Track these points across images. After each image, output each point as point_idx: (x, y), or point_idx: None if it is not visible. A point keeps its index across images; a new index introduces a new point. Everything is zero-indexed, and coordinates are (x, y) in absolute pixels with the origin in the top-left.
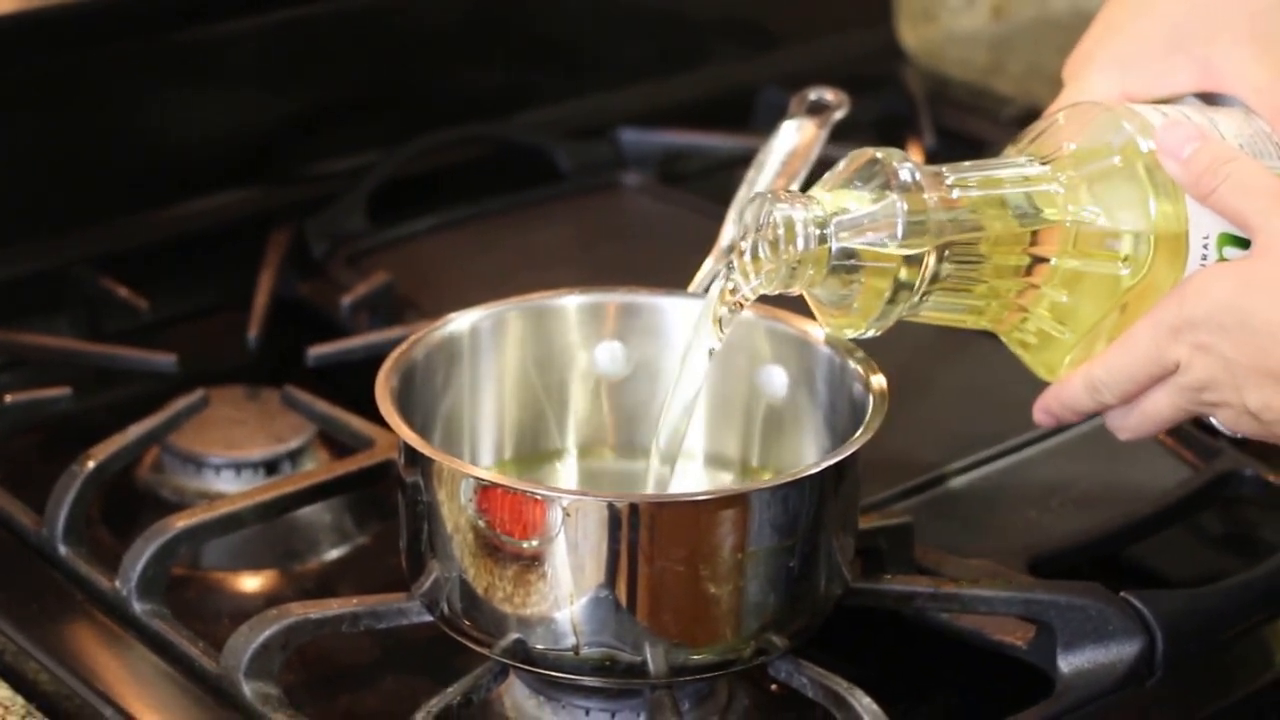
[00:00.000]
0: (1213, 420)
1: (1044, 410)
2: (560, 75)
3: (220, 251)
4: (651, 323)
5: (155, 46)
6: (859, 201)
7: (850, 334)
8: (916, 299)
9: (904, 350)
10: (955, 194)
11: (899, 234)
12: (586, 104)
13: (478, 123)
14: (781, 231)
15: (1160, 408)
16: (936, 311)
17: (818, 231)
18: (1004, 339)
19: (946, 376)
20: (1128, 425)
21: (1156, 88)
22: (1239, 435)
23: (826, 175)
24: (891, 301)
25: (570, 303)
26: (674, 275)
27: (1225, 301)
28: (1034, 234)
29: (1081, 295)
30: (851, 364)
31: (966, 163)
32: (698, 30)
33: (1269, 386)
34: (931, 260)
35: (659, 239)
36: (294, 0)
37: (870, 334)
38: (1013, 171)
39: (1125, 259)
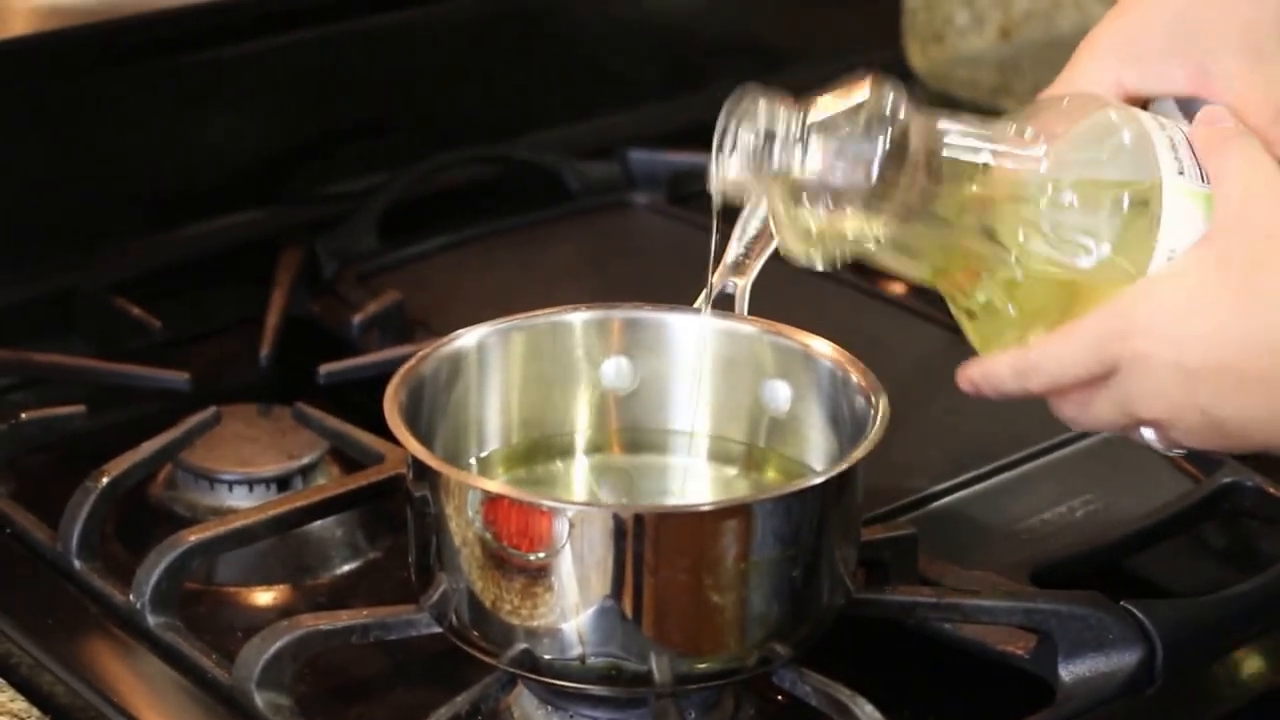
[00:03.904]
0: (1148, 439)
1: (967, 379)
2: (569, 96)
3: (232, 271)
4: (657, 338)
5: (167, 69)
6: (841, 128)
7: (800, 259)
8: (874, 237)
9: (907, 363)
10: (942, 143)
11: (873, 170)
12: (595, 124)
13: (487, 143)
14: (759, 139)
15: (1101, 409)
16: (890, 254)
17: (796, 148)
18: (948, 301)
19: (949, 389)
20: (1067, 410)
21: (1150, 86)
22: (1171, 452)
23: (820, 95)
24: (850, 237)
25: (576, 319)
26: (681, 292)
27: (1171, 315)
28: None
29: (1038, 279)
30: (854, 377)
31: (965, 115)
32: (706, 51)
33: (1190, 416)
34: (899, 202)
35: (666, 257)
36: (304, 23)
37: (818, 265)
38: (1004, 139)
39: (1090, 253)
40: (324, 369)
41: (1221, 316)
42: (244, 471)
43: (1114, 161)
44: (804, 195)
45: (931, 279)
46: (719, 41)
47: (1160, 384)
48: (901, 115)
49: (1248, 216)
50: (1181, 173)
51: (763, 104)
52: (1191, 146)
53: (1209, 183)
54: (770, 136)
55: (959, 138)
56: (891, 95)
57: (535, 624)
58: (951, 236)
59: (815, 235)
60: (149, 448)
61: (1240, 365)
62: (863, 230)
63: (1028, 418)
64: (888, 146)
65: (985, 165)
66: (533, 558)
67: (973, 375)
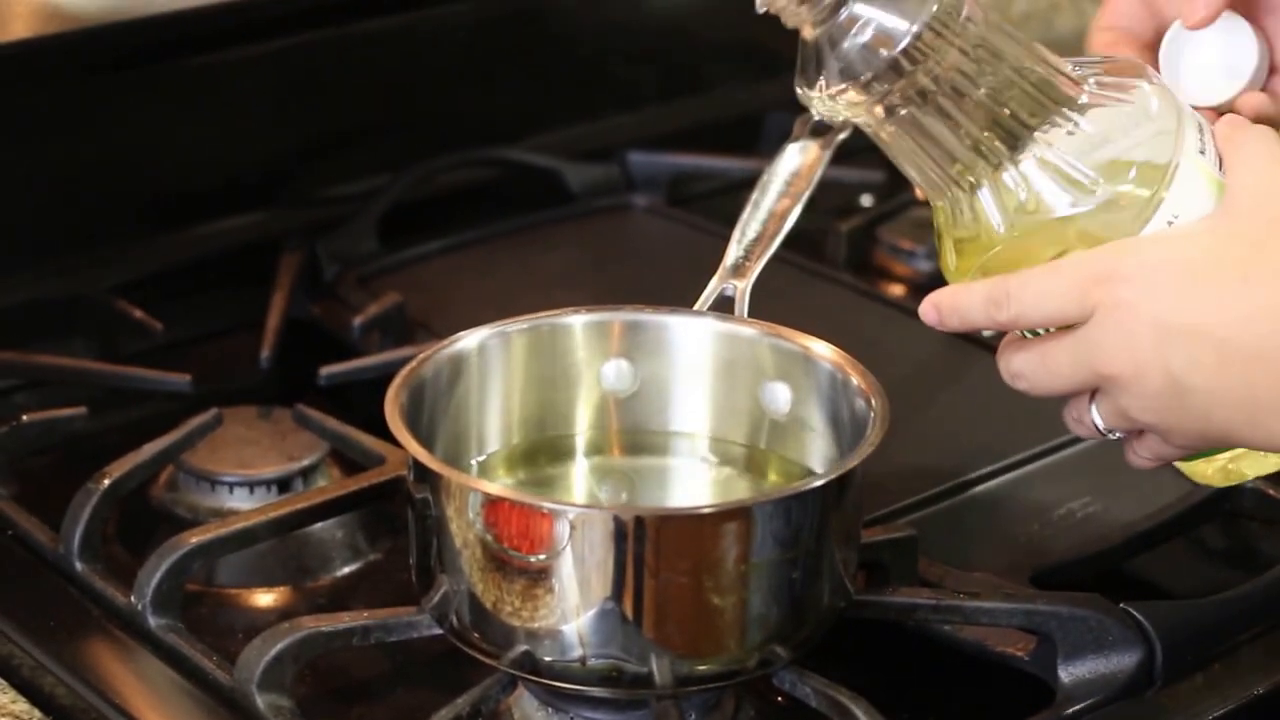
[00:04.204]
0: (1093, 413)
1: (934, 305)
2: (568, 98)
3: (233, 274)
4: (658, 340)
5: (169, 72)
6: None
7: (814, 105)
8: (889, 105)
9: (906, 365)
10: (992, 35)
11: (913, 29)
12: (595, 127)
13: (487, 146)
14: None
15: (1058, 363)
16: (895, 138)
17: None
18: (934, 209)
19: (948, 392)
20: (1018, 360)
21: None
22: (1111, 434)
23: None
24: (866, 89)
25: (577, 321)
26: (681, 294)
27: (1161, 271)
28: (1028, 120)
29: (1032, 212)
30: (854, 380)
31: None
32: (705, 55)
33: (1154, 378)
34: (929, 75)
35: (666, 259)
36: (305, 26)
37: (828, 116)
38: (1051, 60)
39: (1090, 196)
40: (324, 371)
41: (1223, 285)
42: (245, 473)
43: (1140, 125)
44: (836, 44)
45: (925, 183)
46: (718, 44)
47: (1132, 337)
48: None
49: (1260, 203)
50: (1202, 152)
51: None
52: (1214, 137)
53: (1224, 173)
54: None
55: (1006, 39)
56: None
57: (536, 626)
58: (964, 134)
59: (832, 98)
60: (150, 450)
61: (1232, 336)
62: (877, 86)
63: (1028, 420)
64: (934, 10)
65: (1021, 71)
66: (533, 560)
67: (940, 302)
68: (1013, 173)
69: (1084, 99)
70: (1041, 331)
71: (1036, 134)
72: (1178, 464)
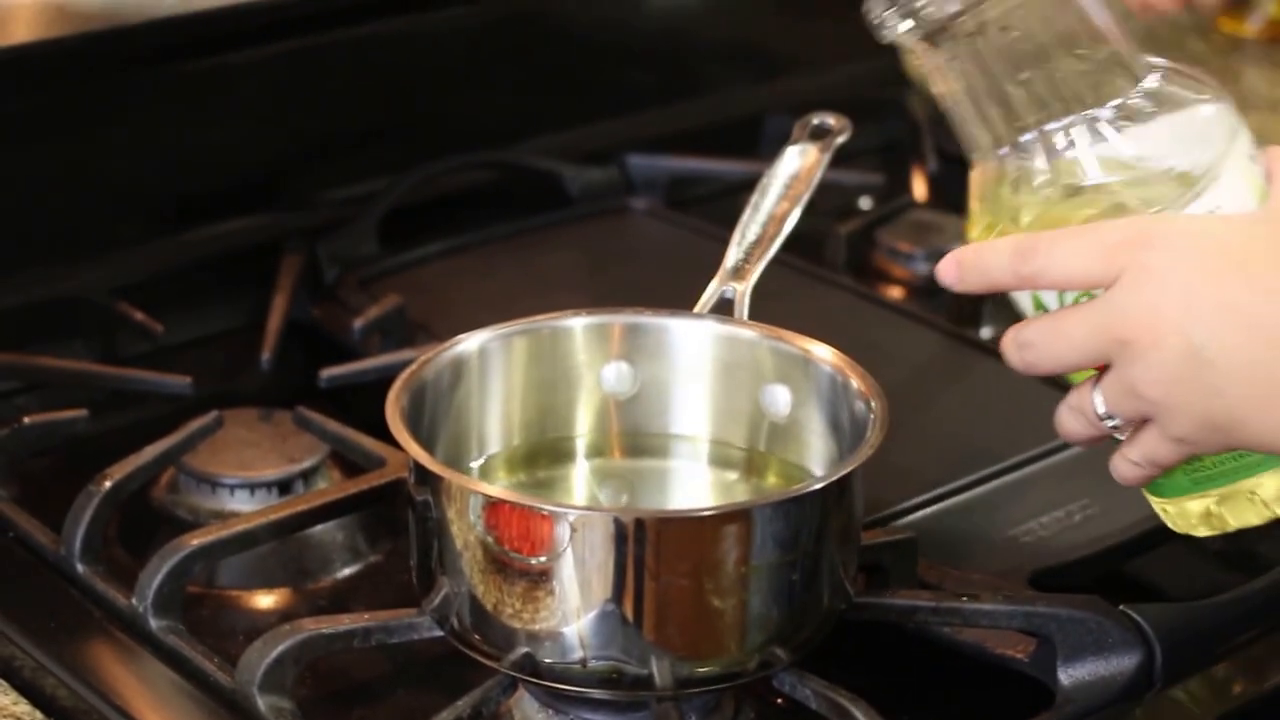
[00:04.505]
0: (1096, 395)
1: (955, 262)
2: (568, 101)
3: (234, 276)
4: (657, 342)
5: (170, 75)
6: None
7: (885, 25)
8: (958, 31)
9: (905, 368)
10: None
11: None
12: (594, 130)
13: (487, 148)
14: None
15: (1073, 327)
16: (955, 77)
17: None
18: (974, 167)
19: (948, 394)
20: (1030, 329)
21: None
22: (1114, 419)
23: None
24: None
25: (577, 324)
26: (680, 297)
27: (1197, 243)
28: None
29: (1074, 176)
30: (854, 382)
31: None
32: (704, 58)
33: (1173, 348)
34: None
35: (666, 262)
36: (305, 29)
37: (898, 39)
38: (1126, 39)
39: (1130, 172)
40: (325, 373)
41: (1257, 266)
42: (245, 475)
43: (1198, 118)
44: None
45: (973, 133)
46: (717, 48)
47: (1156, 303)
48: None
49: None
50: (1253, 159)
51: None
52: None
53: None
54: None
55: (1095, 3)
56: None
57: (536, 628)
58: (1023, 85)
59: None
60: (151, 452)
61: (1261, 316)
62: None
63: (1027, 423)
64: None
65: (1094, 35)
66: (534, 562)
67: (963, 257)
68: (1064, 135)
69: (1151, 83)
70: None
71: (1095, 101)
72: (1163, 505)
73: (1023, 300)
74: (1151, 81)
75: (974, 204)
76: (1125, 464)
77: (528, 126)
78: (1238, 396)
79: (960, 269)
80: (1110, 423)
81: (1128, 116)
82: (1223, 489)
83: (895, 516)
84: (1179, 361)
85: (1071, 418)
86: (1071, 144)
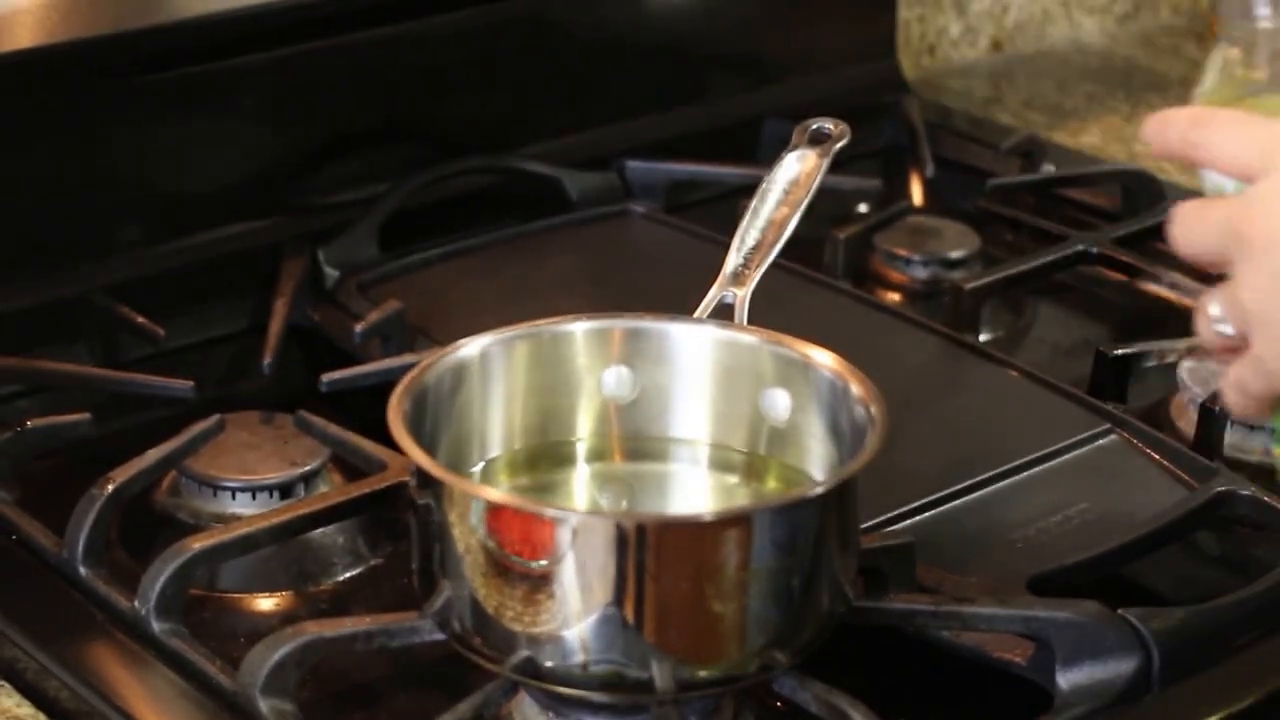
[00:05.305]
0: (1214, 302)
1: (1159, 116)
2: (568, 107)
3: (235, 280)
4: (657, 347)
5: (171, 80)
6: None
7: None
8: None
9: (905, 372)
10: None
11: None
12: (594, 135)
13: (487, 153)
14: None
15: (1213, 210)
16: None
17: None
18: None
19: (946, 399)
20: (1183, 208)
21: None
22: (1225, 324)
23: None
24: None
25: (578, 328)
26: (680, 301)
27: None
28: None
29: None
30: (854, 387)
31: None
32: (703, 63)
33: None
34: None
35: (665, 266)
36: (305, 35)
37: None
38: None
39: None
40: (326, 377)
41: None
42: (247, 479)
43: None
44: None
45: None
46: (716, 53)
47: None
48: None
49: None
50: None
51: None
52: None
53: None
54: None
55: None
56: None
57: (538, 631)
58: None
59: None
60: (153, 455)
61: None
62: None
63: (1025, 427)
64: None
65: None
66: (535, 565)
67: (1165, 114)
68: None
69: None
70: None
71: None
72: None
73: (1208, 184)
74: None
75: (1209, 75)
76: (1227, 387)
77: (527, 131)
78: None
79: (1157, 123)
80: (1222, 327)
81: None
82: None
83: (894, 520)
84: None
85: (1199, 317)
86: None
